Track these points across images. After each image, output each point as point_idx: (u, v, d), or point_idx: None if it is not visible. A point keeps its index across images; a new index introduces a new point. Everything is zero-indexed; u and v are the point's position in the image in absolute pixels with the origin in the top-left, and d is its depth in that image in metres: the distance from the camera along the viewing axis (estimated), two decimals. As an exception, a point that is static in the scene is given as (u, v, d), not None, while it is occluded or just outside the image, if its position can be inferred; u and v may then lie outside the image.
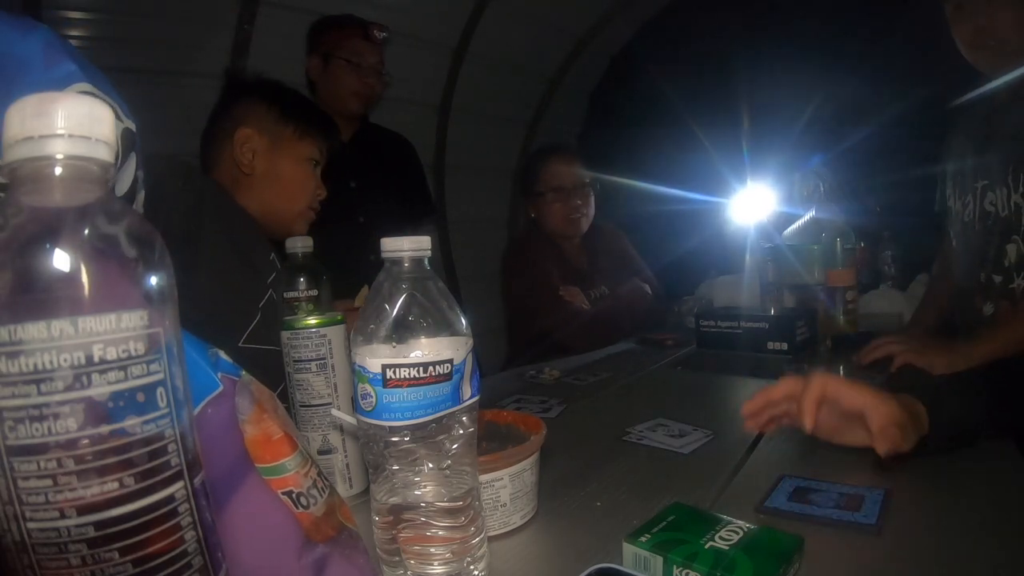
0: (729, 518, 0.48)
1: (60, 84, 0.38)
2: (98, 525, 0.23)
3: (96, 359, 0.23)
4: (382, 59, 1.54)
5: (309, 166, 1.00)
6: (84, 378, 0.22)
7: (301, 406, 0.62)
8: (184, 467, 0.25)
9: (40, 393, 0.22)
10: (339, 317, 0.63)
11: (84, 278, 0.23)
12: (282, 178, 0.96)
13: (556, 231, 1.67)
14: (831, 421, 0.63)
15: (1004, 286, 1.05)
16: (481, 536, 0.45)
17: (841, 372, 1.05)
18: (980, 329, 1.06)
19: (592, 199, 1.68)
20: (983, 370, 0.87)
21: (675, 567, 0.43)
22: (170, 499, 0.25)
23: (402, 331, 0.41)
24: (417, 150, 1.78)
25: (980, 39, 1.02)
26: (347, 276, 1.04)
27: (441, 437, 0.42)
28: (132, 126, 0.42)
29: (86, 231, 0.23)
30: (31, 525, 0.22)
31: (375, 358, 0.41)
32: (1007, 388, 0.69)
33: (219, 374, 0.35)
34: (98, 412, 0.23)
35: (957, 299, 1.18)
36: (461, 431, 0.43)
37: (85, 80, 0.38)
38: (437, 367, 0.41)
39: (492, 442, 0.59)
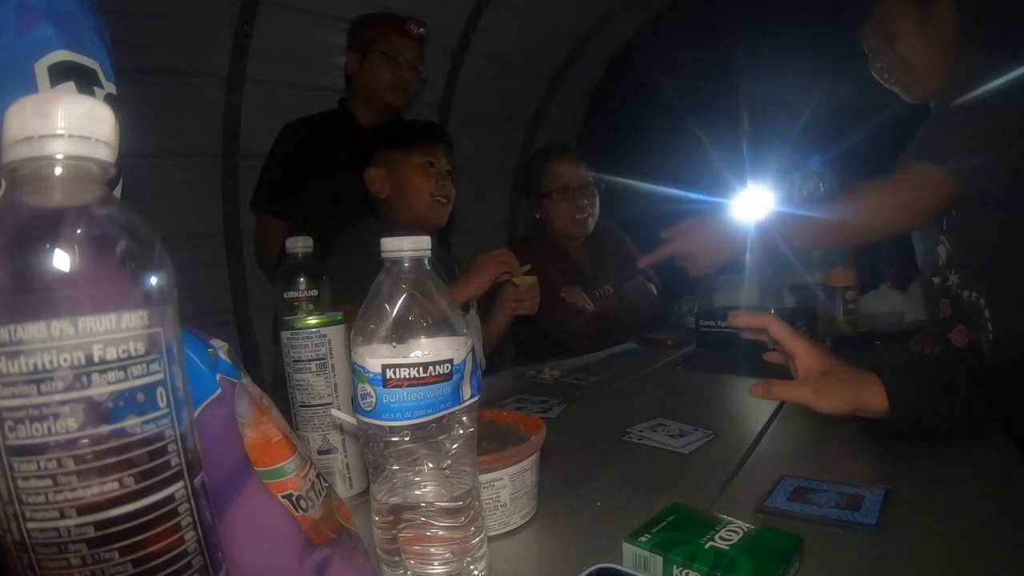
0: (729, 518, 0.48)
1: (34, 53, 0.35)
2: (98, 525, 0.23)
3: (96, 359, 0.23)
4: (419, 55, 1.54)
5: (424, 170, 1.23)
6: (84, 378, 0.22)
7: (301, 406, 0.62)
8: (184, 467, 0.25)
9: (40, 393, 0.22)
10: (339, 317, 0.63)
11: (84, 278, 0.23)
12: (404, 188, 1.24)
13: (563, 232, 1.65)
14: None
15: (942, 285, 1.09)
16: (481, 536, 0.45)
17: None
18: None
19: (597, 198, 1.67)
20: (971, 368, 0.87)
21: (675, 567, 0.43)
22: (170, 499, 0.25)
23: (402, 331, 0.41)
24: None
25: (885, 79, 1.12)
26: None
27: (441, 437, 0.42)
28: (114, 90, 0.40)
29: (86, 231, 0.23)
30: (31, 525, 0.22)
31: (375, 358, 0.40)
32: (1007, 388, 0.69)
33: (218, 376, 0.35)
34: (98, 412, 0.23)
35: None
36: (461, 431, 0.43)
37: (62, 46, 0.36)
38: (437, 367, 0.41)
39: (492, 442, 0.59)
